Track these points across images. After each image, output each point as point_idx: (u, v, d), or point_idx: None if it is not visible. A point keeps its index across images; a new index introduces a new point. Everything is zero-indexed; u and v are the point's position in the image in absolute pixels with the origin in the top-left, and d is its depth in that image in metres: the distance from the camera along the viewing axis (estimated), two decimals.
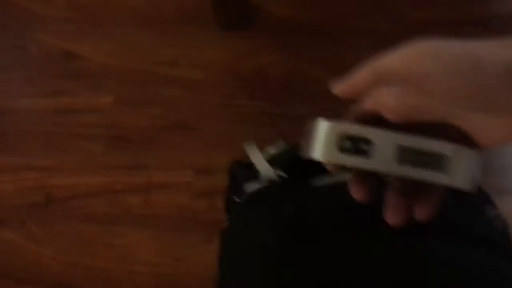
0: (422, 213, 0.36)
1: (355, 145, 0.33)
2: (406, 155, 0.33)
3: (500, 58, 0.30)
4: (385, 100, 0.33)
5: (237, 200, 0.54)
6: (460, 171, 0.33)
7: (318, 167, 0.38)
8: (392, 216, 0.36)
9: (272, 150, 0.61)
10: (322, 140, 0.33)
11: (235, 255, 0.46)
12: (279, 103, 1.02)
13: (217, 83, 1.04)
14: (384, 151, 0.33)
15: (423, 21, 1.06)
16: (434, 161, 0.33)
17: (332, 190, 0.45)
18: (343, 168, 0.36)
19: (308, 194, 0.47)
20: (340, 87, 0.36)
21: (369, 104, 0.35)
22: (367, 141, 0.33)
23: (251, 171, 0.58)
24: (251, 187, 0.52)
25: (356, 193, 0.36)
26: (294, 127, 0.99)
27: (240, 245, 0.46)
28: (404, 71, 0.32)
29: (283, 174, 0.52)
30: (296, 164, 0.55)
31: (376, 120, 0.35)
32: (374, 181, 0.36)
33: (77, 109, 1.04)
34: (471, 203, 0.44)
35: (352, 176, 0.36)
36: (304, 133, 0.37)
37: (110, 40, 1.09)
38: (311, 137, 0.34)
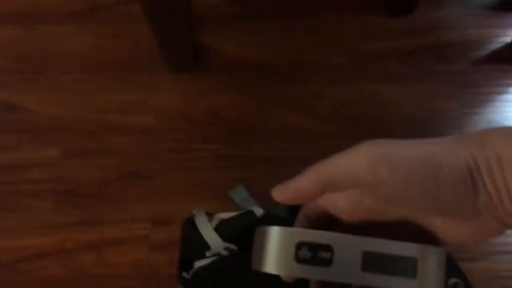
0: None
1: (314, 254, 0.29)
2: (371, 262, 0.30)
3: (456, 161, 0.28)
4: (338, 204, 0.31)
5: (186, 276, 0.50)
6: (428, 275, 0.30)
7: None
8: None
9: (224, 215, 0.57)
10: (276, 251, 0.29)
11: None
12: (235, 144, 0.99)
13: (170, 128, 1.01)
14: (347, 259, 0.29)
15: (375, 53, 1.05)
16: (401, 266, 0.30)
17: None
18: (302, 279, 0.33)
19: (260, 277, 0.43)
20: (282, 194, 0.32)
21: (320, 206, 0.32)
22: (327, 249, 0.29)
23: (201, 240, 0.54)
24: (199, 262, 0.49)
25: None
26: (252, 169, 0.97)
27: None
28: (356, 179, 0.29)
29: (233, 247, 0.49)
30: (249, 232, 0.52)
31: (329, 221, 0.32)
32: (337, 286, 0.33)
33: (22, 164, 0.99)
34: None
35: (312, 284, 0.33)
36: (254, 242, 0.32)
37: (55, 90, 1.04)
38: (262, 247, 0.30)
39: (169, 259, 0.90)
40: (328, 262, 0.29)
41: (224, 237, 0.51)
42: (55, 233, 0.93)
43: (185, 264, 0.54)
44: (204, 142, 1.00)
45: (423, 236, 0.30)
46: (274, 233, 0.30)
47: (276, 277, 0.43)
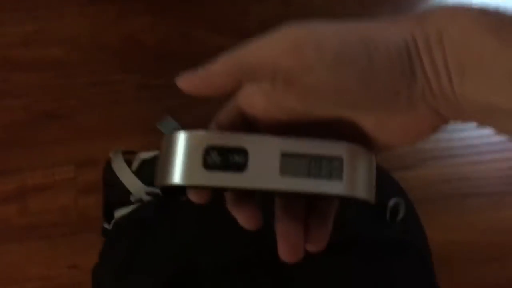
0: (316, 241, 0.29)
1: (225, 159, 0.26)
2: (290, 164, 0.26)
3: (392, 39, 0.24)
4: (255, 101, 0.27)
5: (107, 227, 0.45)
6: (356, 176, 0.27)
7: None
8: (286, 253, 0.29)
9: (145, 155, 0.52)
10: (181, 158, 0.25)
11: None
12: (158, 73, 0.91)
13: (83, 60, 0.91)
14: (263, 162, 0.26)
15: None
16: (325, 167, 0.26)
17: (216, 211, 0.37)
18: (215, 191, 0.28)
19: (186, 222, 0.39)
20: (190, 82, 0.27)
21: (235, 111, 0.28)
22: (240, 151, 0.26)
23: (121, 185, 0.49)
24: (119, 211, 0.44)
25: (241, 219, 0.29)
26: (178, 99, 0.90)
27: None
28: (277, 65, 0.25)
29: (156, 190, 0.44)
30: None
31: (246, 127, 0.28)
32: (257, 196, 0.29)
33: None
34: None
35: (229, 197, 0.29)
36: (159, 154, 0.28)
37: None
38: (167, 157, 0.26)
39: (99, 202, 0.84)
40: (241, 167, 0.26)
41: (146, 181, 0.46)
42: None
43: (109, 212, 0.49)
44: (124, 73, 0.91)
45: (353, 139, 0.27)
46: (179, 138, 0.26)
47: (198, 224, 0.39)
